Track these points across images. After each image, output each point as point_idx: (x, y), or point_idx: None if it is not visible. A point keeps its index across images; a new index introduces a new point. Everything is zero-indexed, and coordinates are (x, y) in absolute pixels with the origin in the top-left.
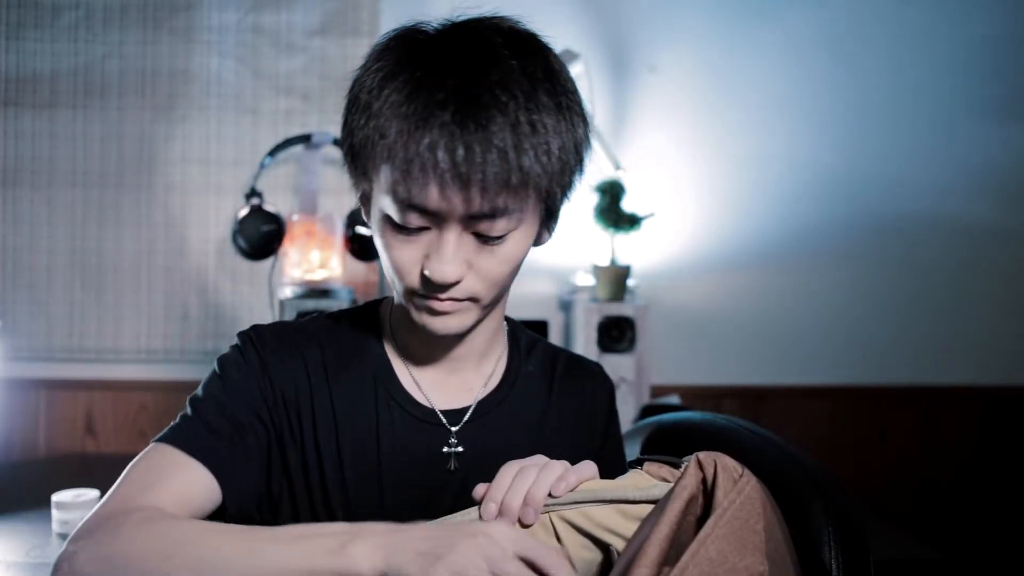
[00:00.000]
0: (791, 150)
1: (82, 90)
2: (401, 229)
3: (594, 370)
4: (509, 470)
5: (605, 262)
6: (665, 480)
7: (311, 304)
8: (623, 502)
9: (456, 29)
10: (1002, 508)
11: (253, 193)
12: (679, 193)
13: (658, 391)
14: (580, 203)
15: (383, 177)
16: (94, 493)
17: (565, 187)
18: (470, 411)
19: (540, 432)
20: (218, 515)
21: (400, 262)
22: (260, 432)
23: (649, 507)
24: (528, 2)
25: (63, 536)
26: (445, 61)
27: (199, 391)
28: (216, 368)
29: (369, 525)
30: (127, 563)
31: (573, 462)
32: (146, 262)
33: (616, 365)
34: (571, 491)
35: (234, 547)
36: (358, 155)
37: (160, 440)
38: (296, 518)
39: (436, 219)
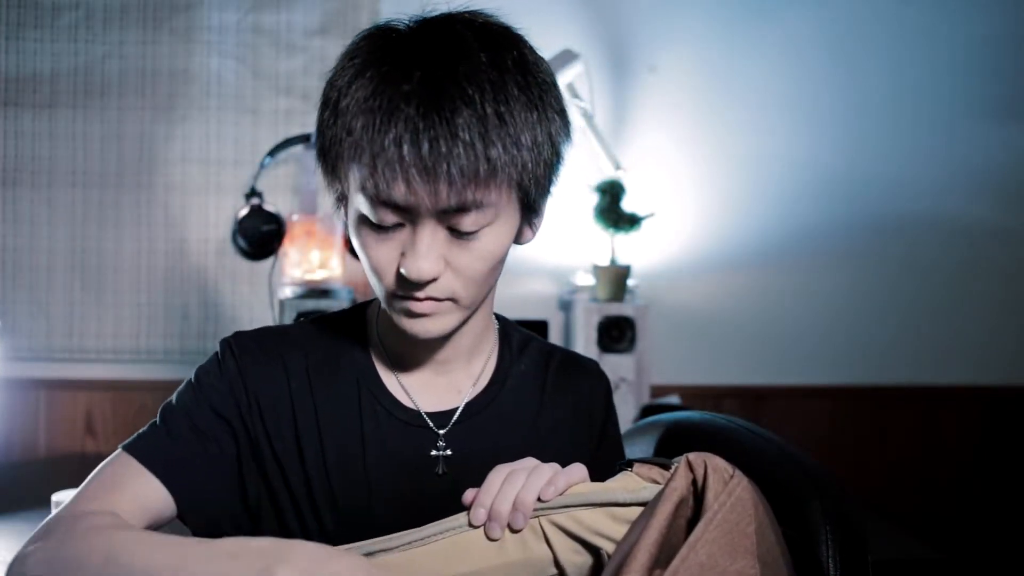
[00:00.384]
0: (791, 150)
1: (82, 90)
2: (376, 228)
3: (590, 367)
4: (498, 474)
5: (605, 262)
6: (655, 482)
7: (311, 304)
8: (613, 505)
9: (426, 24)
10: (1002, 508)
11: (253, 193)
12: (679, 193)
13: (658, 391)
14: (580, 203)
15: (353, 175)
16: None
17: (541, 181)
18: (458, 413)
19: (534, 432)
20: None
21: (377, 262)
22: (227, 442)
23: (639, 509)
24: (528, 2)
25: None
26: (412, 55)
27: (172, 399)
28: (192, 377)
29: (300, 547)
30: (67, 567)
31: (569, 461)
32: (146, 262)
33: (616, 365)
34: (560, 495)
35: (165, 559)
36: (328, 154)
37: (124, 447)
38: (283, 526)
39: (408, 215)
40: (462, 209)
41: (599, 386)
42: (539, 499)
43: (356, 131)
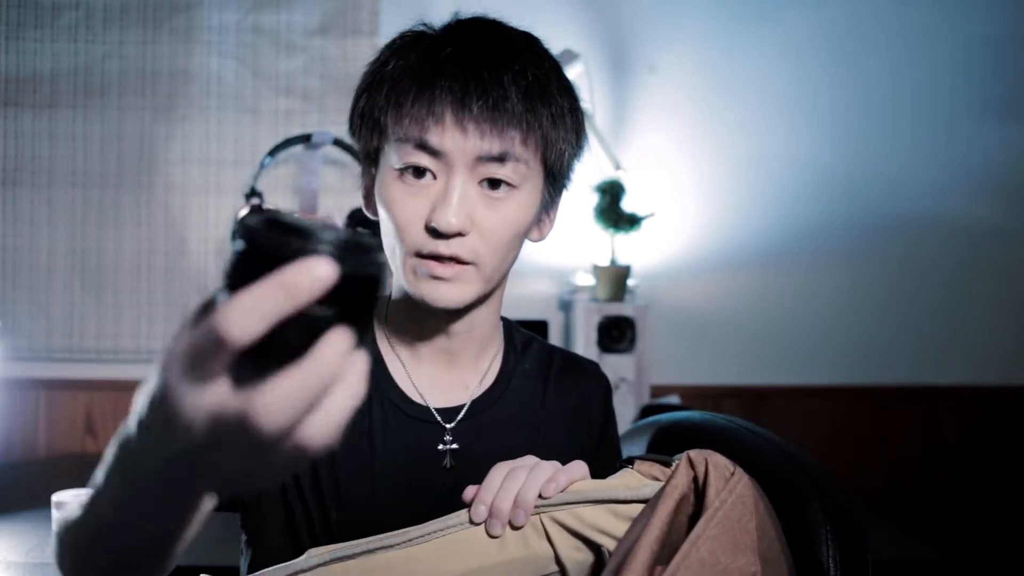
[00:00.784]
0: (791, 150)
1: (82, 90)
2: (406, 183)
3: (589, 368)
4: (499, 472)
5: (605, 262)
6: (656, 479)
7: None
8: (614, 502)
9: (460, 22)
10: (1002, 508)
11: (253, 193)
12: (679, 193)
13: (658, 391)
14: (580, 203)
15: (394, 124)
16: None
17: (564, 163)
18: (465, 409)
19: (535, 431)
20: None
21: (405, 217)
22: None
23: (640, 507)
24: (528, 2)
25: None
26: (453, 35)
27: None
28: None
29: None
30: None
31: (569, 461)
32: (146, 262)
33: (616, 365)
34: (561, 492)
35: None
36: (368, 114)
37: None
38: (289, 516)
39: (444, 164)
40: (500, 158)
41: (598, 387)
42: (540, 496)
43: (404, 82)
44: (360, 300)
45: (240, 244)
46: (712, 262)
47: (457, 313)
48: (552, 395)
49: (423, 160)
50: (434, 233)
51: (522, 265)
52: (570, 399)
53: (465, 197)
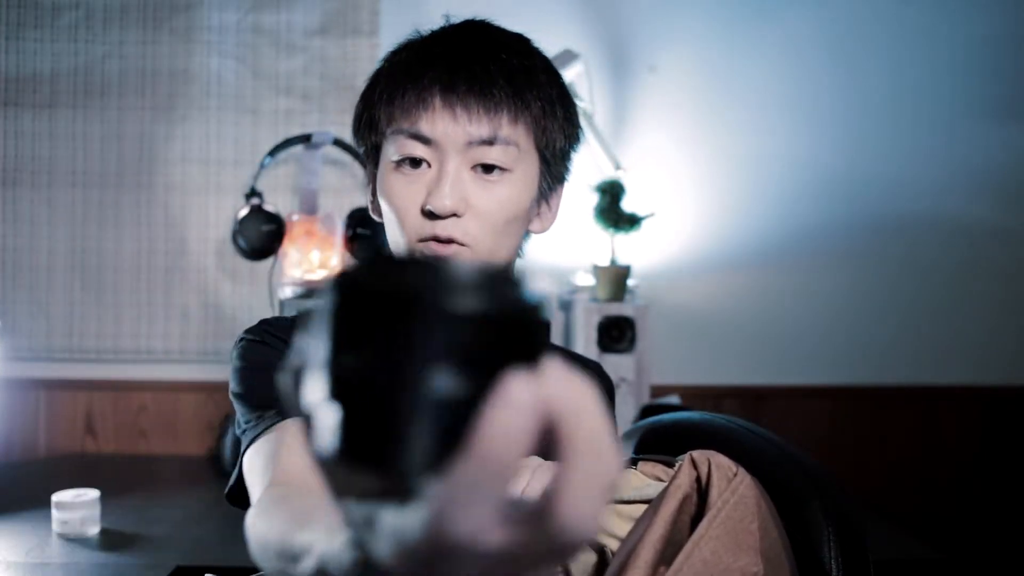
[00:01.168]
0: (791, 150)
1: (82, 90)
2: (404, 172)
3: (592, 367)
4: None
5: (605, 262)
6: (659, 479)
7: (311, 304)
8: (617, 502)
9: (451, 24)
10: (1002, 508)
11: (253, 193)
12: (679, 193)
13: (658, 391)
14: (580, 203)
15: (388, 118)
16: (94, 493)
17: (560, 142)
18: None
19: None
20: None
21: (402, 203)
22: None
23: (643, 507)
24: (529, 2)
25: (63, 536)
26: (443, 34)
27: (237, 387)
28: (239, 363)
29: None
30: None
31: None
32: (146, 262)
33: (616, 365)
34: None
35: None
36: (366, 114)
37: (251, 439)
38: None
39: (437, 151)
40: (491, 141)
41: (601, 387)
42: None
43: (396, 76)
44: (528, 354)
45: (331, 301)
46: (712, 262)
47: None
48: None
49: (417, 150)
50: (430, 216)
51: (522, 265)
52: None
53: (459, 180)
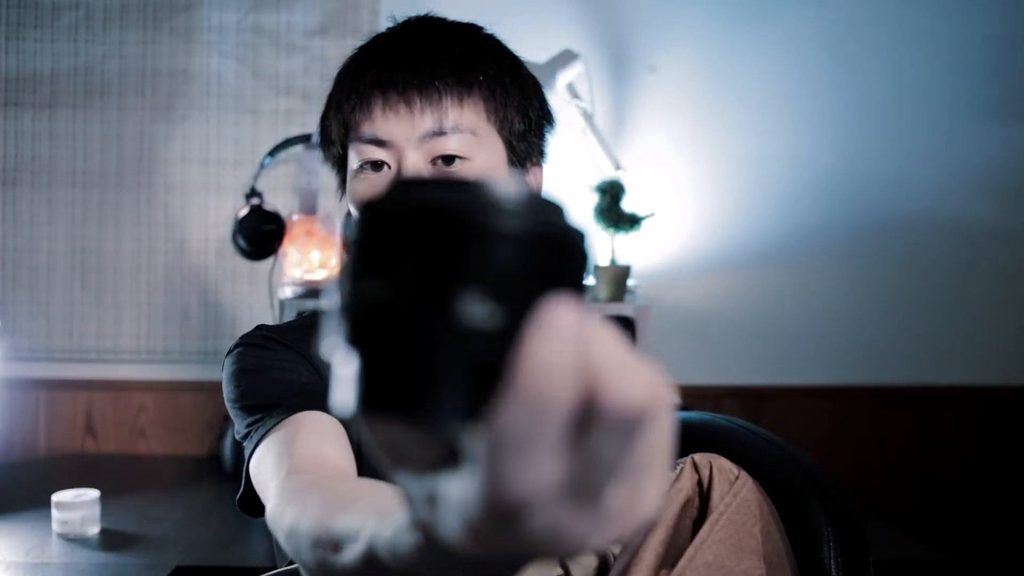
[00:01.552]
0: (791, 150)
1: (82, 90)
2: (367, 175)
3: None
4: None
5: (605, 262)
6: None
7: (311, 304)
8: None
9: (399, 23)
10: (1002, 508)
11: (253, 193)
12: (679, 193)
13: None
14: (580, 203)
15: (341, 125)
16: (94, 493)
17: (519, 123)
18: None
19: None
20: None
21: None
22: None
23: None
24: (529, 2)
25: (63, 536)
26: (390, 32)
27: (234, 392)
28: (235, 367)
29: None
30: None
31: None
32: (146, 262)
33: None
34: None
35: None
36: (325, 124)
37: (255, 443)
38: None
39: (393, 151)
40: (440, 132)
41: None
42: None
43: (342, 84)
44: (568, 283)
45: (359, 230)
46: (712, 262)
47: None
48: None
49: (375, 153)
50: None
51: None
52: None
53: (418, 174)
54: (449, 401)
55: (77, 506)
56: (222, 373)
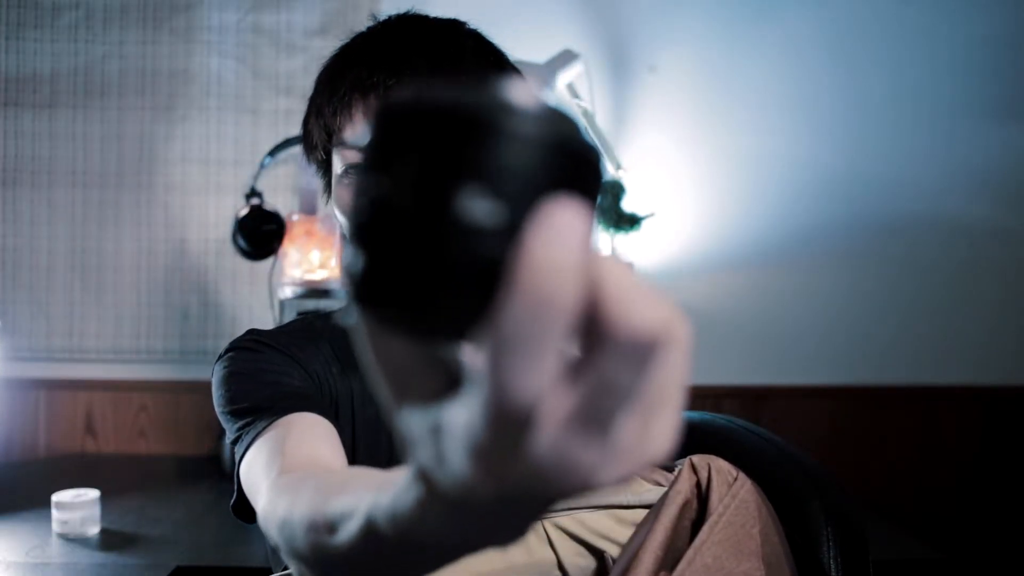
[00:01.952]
0: (791, 150)
1: (82, 90)
2: (349, 179)
3: None
4: None
5: None
6: (658, 484)
7: (311, 304)
8: (617, 507)
9: (379, 22)
10: (1002, 508)
11: (253, 193)
12: (679, 193)
13: None
14: None
15: (323, 130)
16: (94, 493)
17: None
18: None
19: None
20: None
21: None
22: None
23: (643, 512)
24: (529, 2)
25: (63, 536)
26: (369, 32)
27: (224, 396)
28: (225, 371)
29: None
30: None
31: None
32: (146, 262)
33: None
34: None
35: None
36: (307, 130)
37: (246, 447)
38: None
39: None
40: None
41: None
42: None
43: (321, 88)
44: (582, 190)
45: (378, 123)
46: (712, 262)
47: None
48: None
49: (354, 157)
50: None
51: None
52: None
53: None
54: (450, 301)
55: (77, 506)
56: (212, 379)
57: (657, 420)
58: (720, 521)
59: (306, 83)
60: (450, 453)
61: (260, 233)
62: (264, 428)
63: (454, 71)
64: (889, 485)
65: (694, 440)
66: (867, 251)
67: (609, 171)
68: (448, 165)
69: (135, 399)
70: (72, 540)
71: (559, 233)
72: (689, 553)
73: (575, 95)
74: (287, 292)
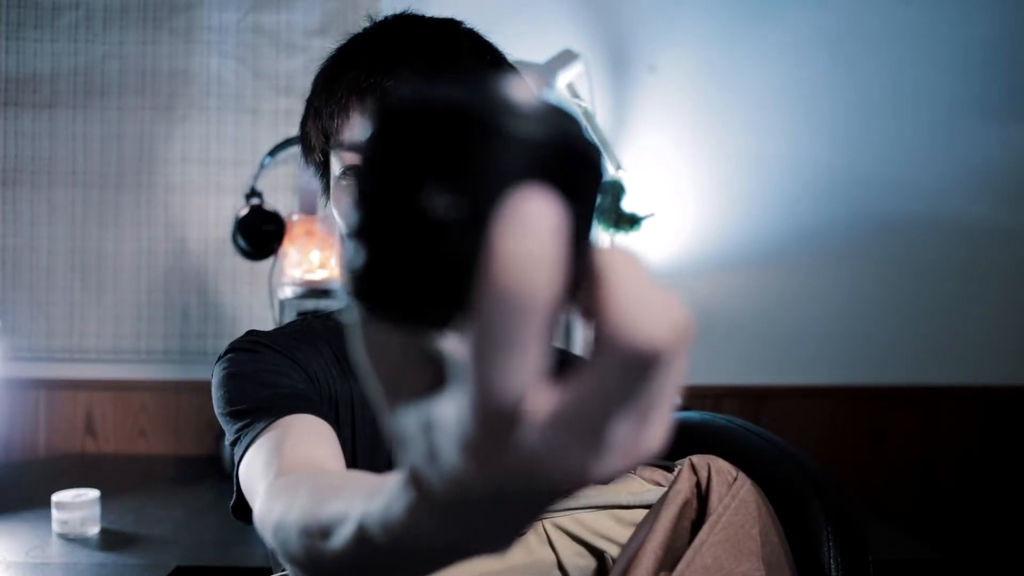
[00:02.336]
0: (791, 150)
1: (82, 90)
2: (349, 180)
3: None
4: None
5: None
6: (658, 484)
7: (311, 304)
8: (616, 507)
9: (375, 22)
10: (1002, 508)
11: (253, 193)
12: (679, 193)
13: None
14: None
15: (320, 132)
16: (94, 493)
17: None
18: None
19: None
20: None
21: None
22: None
23: (643, 512)
24: (529, 2)
25: (63, 536)
26: (366, 33)
27: (224, 398)
28: (225, 373)
29: None
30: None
31: None
32: (146, 262)
33: None
34: None
35: None
36: (304, 132)
37: (244, 447)
38: None
39: None
40: None
41: None
42: None
43: (318, 89)
44: (578, 191)
45: (375, 120)
46: (712, 262)
47: None
48: None
49: (355, 159)
50: None
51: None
52: None
53: None
54: (446, 297)
55: (77, 506)
56: (212, 380)
57: (651, 421)
58: (720, 521)
59: (306, 83)
60: (441, 448)
61: (260, 233)
62: (263, 429)
63: (451, 71)
64: (889, 485)
65: (694, 440)
66: (867, 251)
67: (609, 171)
68: (447, 164)
69: (135, 399)
70: (72, 540)
71: (528, 224)
72: (689, 553)
73: (575, 95)
74: (287, 292)
